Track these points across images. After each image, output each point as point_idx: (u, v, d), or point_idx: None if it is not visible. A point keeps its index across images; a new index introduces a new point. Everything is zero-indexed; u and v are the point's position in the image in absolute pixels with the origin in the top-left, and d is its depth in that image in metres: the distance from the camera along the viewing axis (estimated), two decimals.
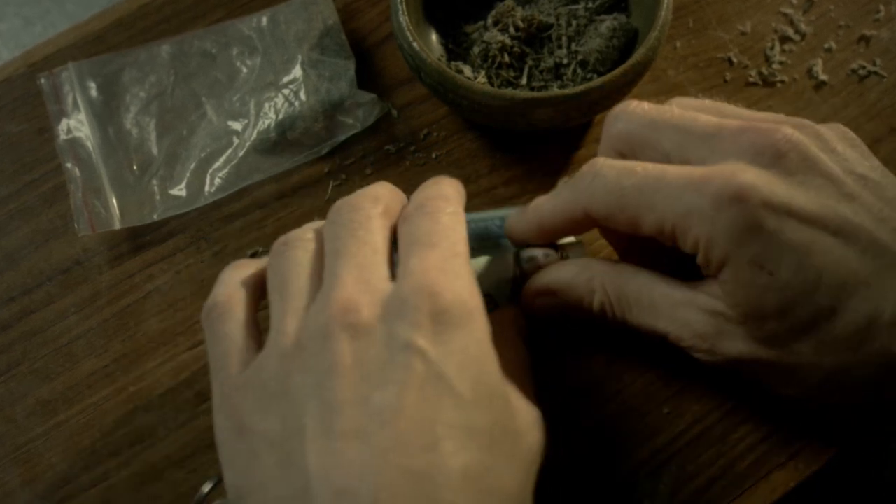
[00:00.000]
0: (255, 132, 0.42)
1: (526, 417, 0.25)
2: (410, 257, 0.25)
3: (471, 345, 0.23)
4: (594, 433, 0.35)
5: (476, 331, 0.23)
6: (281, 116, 0.43)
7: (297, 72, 0.44)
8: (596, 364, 0.36)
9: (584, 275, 0.30)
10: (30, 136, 0.44)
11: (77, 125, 0.43)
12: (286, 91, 0.43)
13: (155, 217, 0.41)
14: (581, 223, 0.29)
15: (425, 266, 0.24)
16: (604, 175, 0.27)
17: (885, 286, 0.23)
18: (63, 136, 0.43)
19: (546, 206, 0.30)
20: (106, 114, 0.43)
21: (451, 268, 0.24)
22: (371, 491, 0.20)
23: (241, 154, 0.42)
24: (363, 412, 0.21)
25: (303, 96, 0.43)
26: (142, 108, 0.44)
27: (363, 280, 0.24)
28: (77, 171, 0.42)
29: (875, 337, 0.23)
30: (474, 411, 0.22)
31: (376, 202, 0.27)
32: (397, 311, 0.23)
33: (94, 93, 0.44)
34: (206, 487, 0.33)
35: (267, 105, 0.43)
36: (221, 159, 0.42)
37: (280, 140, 0.42)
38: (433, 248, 0.25)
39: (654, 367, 0.36)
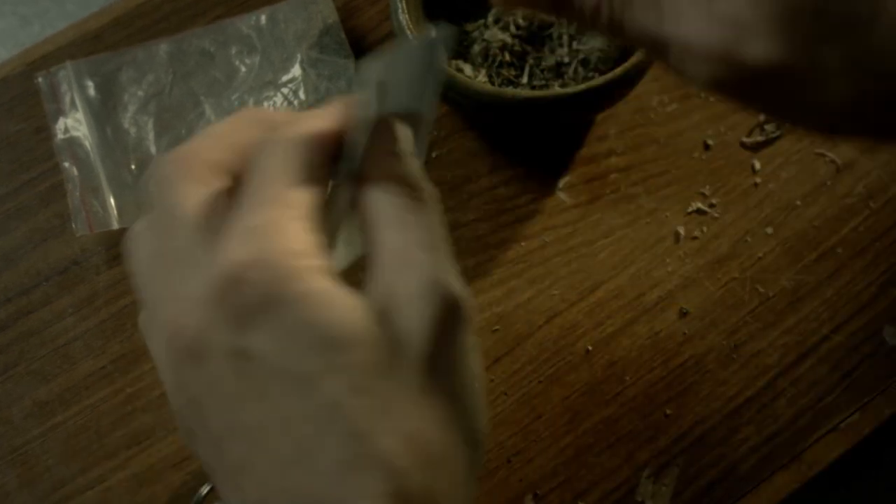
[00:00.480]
0: None
1: (409, 338, 0.20)
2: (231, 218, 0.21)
3: (306, 321, 0.19)
4: (595, 434, 0.35)
5: (309, 295, 0.19)
6: None
7: (296, 71, 0.43)
8: (596, 364, 0.36)
9: None
10: (27, 136, 0.44)
11: (75, 124, 0.43)
12: (285, 90, 0.43)
13: None
14: None
15: (237, 233, 0.20)
16: None
17: None
18: (61, 136, 0.42)
19: None
20: (104, 113, 0.43)
21: (271, 229, 0.20)
22: None
23: None
24: (242, 442, 0.20)
25: (302, 95, 0.43)
26: (140, 108, 0.43)
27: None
28: (75, 171, 0.41)
29: None
30: (353, 395, 0.19)
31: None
32: (213, 313, 0.20)
33: (91, 92, 0.44)
34: (205, 490, 0.32)
35: (266, 104, 0.43)
36: None
37: None
38: (258, 205, 0.20)
39: (655, 367, 0.36)
